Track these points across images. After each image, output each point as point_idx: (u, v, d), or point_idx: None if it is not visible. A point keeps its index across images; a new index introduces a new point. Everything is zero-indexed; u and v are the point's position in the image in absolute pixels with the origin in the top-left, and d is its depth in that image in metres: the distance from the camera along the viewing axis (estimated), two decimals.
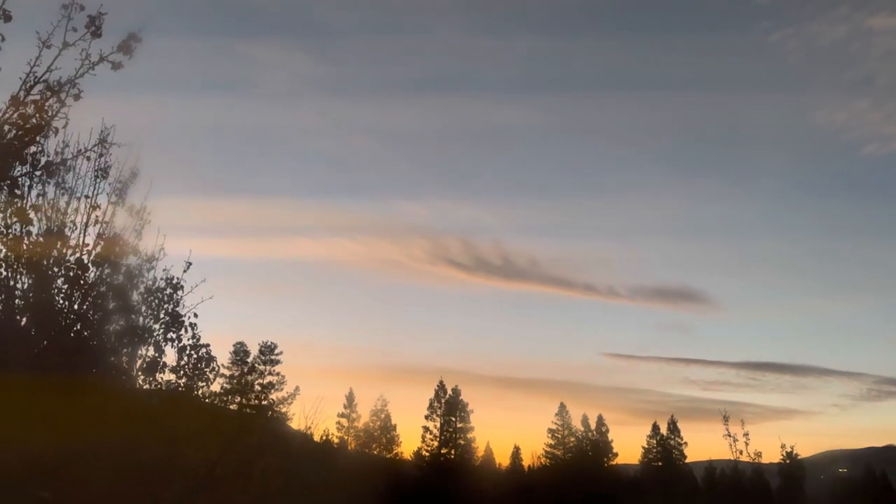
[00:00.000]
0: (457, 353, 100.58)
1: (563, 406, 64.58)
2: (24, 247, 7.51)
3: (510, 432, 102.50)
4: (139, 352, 8.85)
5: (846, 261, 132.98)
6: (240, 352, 42.67)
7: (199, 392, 11.66)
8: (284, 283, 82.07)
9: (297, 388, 38.14)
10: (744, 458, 22.67)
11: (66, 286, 7.95)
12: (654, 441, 64.86)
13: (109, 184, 8.62)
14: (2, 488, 6.27)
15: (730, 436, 22.13)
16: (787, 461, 37.48)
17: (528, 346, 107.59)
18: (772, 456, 34.36)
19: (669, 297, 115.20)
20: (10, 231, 7.47)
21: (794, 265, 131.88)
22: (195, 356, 10.60)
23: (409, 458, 57.14)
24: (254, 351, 44.15)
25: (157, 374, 8.90)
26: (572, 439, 63.24)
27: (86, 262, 8.19)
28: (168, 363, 9.16)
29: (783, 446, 26.70)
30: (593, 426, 63.93)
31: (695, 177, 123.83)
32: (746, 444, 22.38)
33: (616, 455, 63.97)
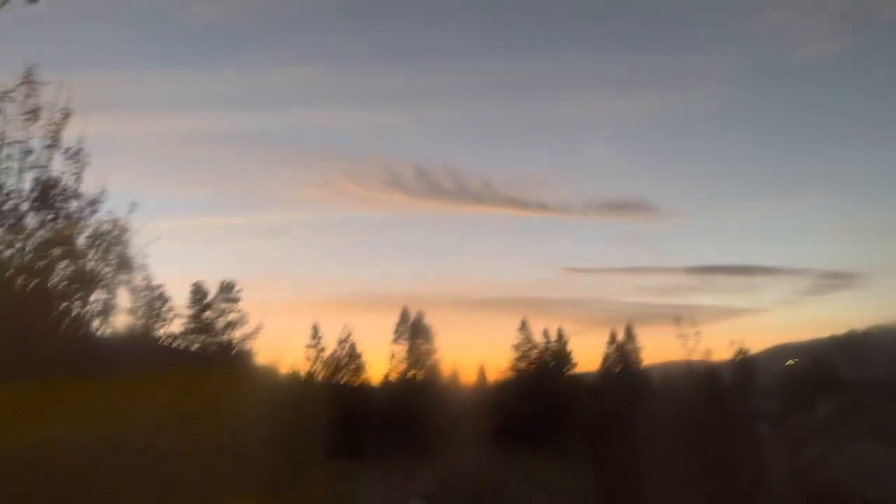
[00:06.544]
0: (418, 280, 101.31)
1: (524, 322, 66.28)
2: None
3: (477, 352, 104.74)
4: (90, 297, 8.78)
5: (790, 161, 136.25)
6: (199, 292, 42.17)
7: (158, 333, 11.68)
8: (241, 222, 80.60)
9: (260, 325, 38.00)
10: (696, 357, 23.84)
11: (7, 236, 7.78)
12: (612, 348, 67.26)
13: (42, 126, 8.33)
14: None
15: (682, 336, 23.16)
16: (740, 356, 39.35)
17: (489, 267, 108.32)
18: (724, 354, 35.81)
19: (622, 208, 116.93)
20: None
21: (740, 168, 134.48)
22: (149, 297, 10.59)
23: (377, 383, 58.40)
24: (214, 291, 43.70)
25: (112, 318, 8.88)
26: (535, 352, 65.14)
27: (23, 209, 7.99)
28: (122, 306, 9.14)
29: (732, 342, 28.11)
30: (554, 339, 65.92)
31: (638, 86, 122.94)
32: (698, 343, 23.46)
33: (576, 364, 66.24)
